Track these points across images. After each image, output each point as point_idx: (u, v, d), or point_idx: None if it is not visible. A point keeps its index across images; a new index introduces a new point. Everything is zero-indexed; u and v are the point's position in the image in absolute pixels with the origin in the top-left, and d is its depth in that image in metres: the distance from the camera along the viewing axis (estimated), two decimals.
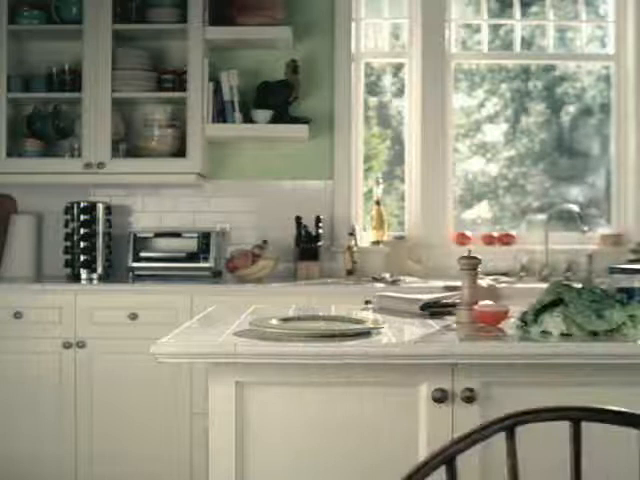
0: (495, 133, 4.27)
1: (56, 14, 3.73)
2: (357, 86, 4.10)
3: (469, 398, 1.74)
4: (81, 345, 3.35)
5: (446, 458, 1.06)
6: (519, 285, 3.61)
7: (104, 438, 3.36)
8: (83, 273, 3.70)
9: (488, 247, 4.01)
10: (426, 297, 2.25)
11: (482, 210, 4.25)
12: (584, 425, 1.10)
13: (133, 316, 3.36)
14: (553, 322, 1.78)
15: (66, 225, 3.74)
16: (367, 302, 2.72)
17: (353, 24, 4.04)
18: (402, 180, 4.16)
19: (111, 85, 3.66)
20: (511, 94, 4.27)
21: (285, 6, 3.82)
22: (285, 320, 1.98)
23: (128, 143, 3.83)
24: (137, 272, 3.72)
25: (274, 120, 3.78)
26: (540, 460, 1.68)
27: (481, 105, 4.28)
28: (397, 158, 4.20)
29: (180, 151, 3.74)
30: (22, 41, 3.87)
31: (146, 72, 3.75)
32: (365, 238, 4.04)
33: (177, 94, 3.75)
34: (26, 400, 3.36)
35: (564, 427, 1.11)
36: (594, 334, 1.75)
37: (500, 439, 1.09)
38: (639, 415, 1.08)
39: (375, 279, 3.66)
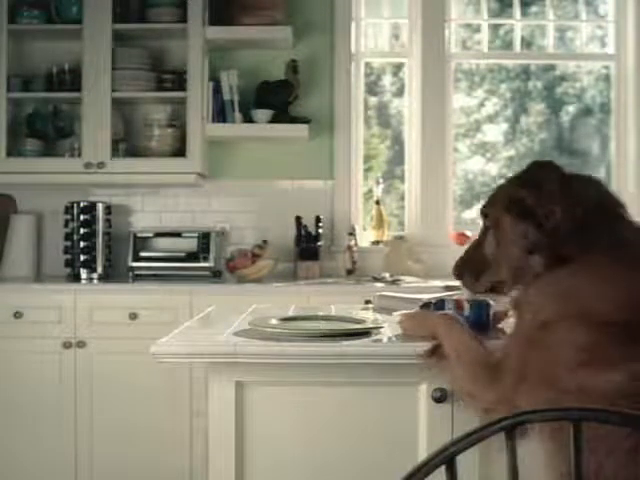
0: (495, 133, 4.27)
1: (56, 14, 3.73)
2: (357, 86, 4.10)
3: None
4: (81, 345, 3.35)
5: (446, 458, 1.06)
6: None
7: (104, 438, 3.36)
8: (83, 273, 3.70)
9: None
10: (426, 297, 2.25)
11: None
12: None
13: (133, 316, 3.37)
14: None
15: (66, 225, 3.74)
16: (367, 302, 2.72)
17: (353, 24, 4.04)
18: (402, 180, 4.16)
19: (111, 85, 3.66)
20: (511, 94, 4.27)
21: (285, 6, 3.82)
22: (285, 320, 1.97)
23: (128, 143, 3.83)
24: (137, 272, 3.72)
25: (274, 120, 3.78)
26: (540, 460, 1.68)
27: (481, 105, 4.28)
28: (397, 158, 4.20)
29: (180, 151, 3.74)
30: (22, 41, 3.87)
31: (146, 72, 3.75)
32: (365, 238, 4.04)
33: (177, 94, 3.75)
34: (26, 400, 3.36)
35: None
36: None
37: (500, 439, 1.09)
38: (639, 415, 1.08)
39: (375, 279, 3.66)
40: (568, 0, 4.20)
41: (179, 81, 3.76)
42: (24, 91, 3.77)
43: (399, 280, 3.60)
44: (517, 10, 4.17)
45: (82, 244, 3.70)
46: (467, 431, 1.08)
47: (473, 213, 4.25)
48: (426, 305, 2.19)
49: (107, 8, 3.64)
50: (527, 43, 4.20)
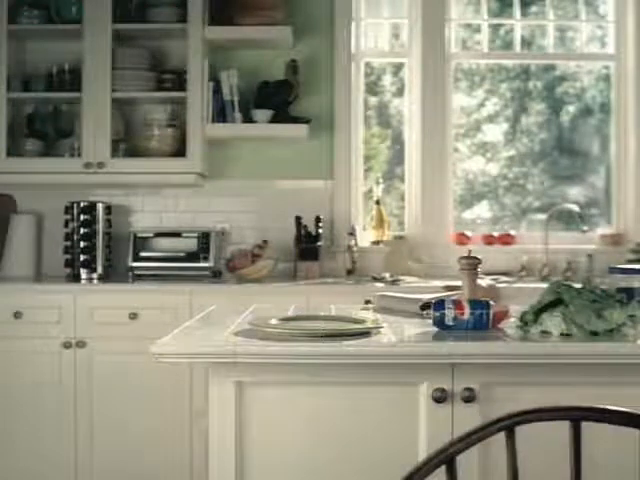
0: (495, 133, 4.27)
1: (56, 14, 3.73)
2: (357, 86, 4.10)
3: (469, 398, 1.74)
4: (81, 345, 3.35)
5: (446, 458, 1.06)
6: (519, 285, 3.61)
7: (104, 438, 3.36)
8: (83, 273, 3.70)
9: (488, 247, 4.01)
10: (426, 297, 2.25)
11: (482, 210, 4.25)
12: (584, 425, 1.10)
13: (133, 316, 3.36)
14: (553, 322, 1.78)
15: (66, 225, 3.74)
16: (367, 302, 2.72)
17: (353, 24, 4.04)
18: (402, 180, 4.16)
19: (111, 85, 3.66)
20: (511, 94, 4.27)
21: (285, 6, 3.82)
22: (285, 320, 1.97)
23: (128, 143, 3.83)
24: (137, 272, 3.72)
25: (274, 120, 3.78)
26: (540, 460, 1.68)
27: (481, 105, 4.28)
28: (397, 158, 4.20)
29: (180, 151, 3.74)
30: (22, 41, 3.87)
31: (146, 72, 3.75)
32: (365, 238, 4.04)
33: (177, 94, 3.75)
34: (26, 400, 3.36)
35: (564, 427, 1.11)
36: (594, 334, 1.75)
37: (500, 439, 1.09)
38: (639, 415, 1.08)
39: (375, 279, 3.66)
40: (568, 0, 4.20)
41: (179, 81, 3.76)
42: (24, 91, 3.77)
43: (399, 280, 3.60)
44: (517, 10, 4.17)
45: (82, 244, 3.70)
46: (467, 431, 1.08)
47: (473, 213, 4.25)
48: (426, 305, 2.19)
49: (107, 8, 3.64)
50: (527, 43, 4.20)
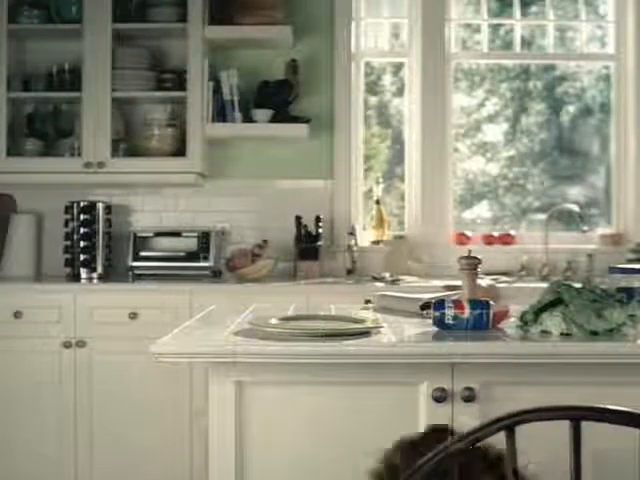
0: (495, 133, 4.27)
1: (56, 14, 3.73)
2: (357, 85, 4.10)
3: (469, 398, 1.74)
4: (81, 345, 3.35)
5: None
6: (519, 285, 3.61)
7: (104, 438, 3.36)
8: (83, 272, 3.70)
9: (488, 247, 4.01)
10: (426, 297, 2.25)
11: (482, 210, 4.25)
12: (584, 424, 1.09)
13: (133, 315, 3.36)
14: (553, 322, 1.78)
15: (66, 224, 3.74)
16: (367, 301, 2.72)
17: (353, 23, 4.04)
18: (402, 180, 4.16)
19: (111, 84, 3.66)
20: (511, 94, 4.27)
21: (285, 6, 3.82)
22: (285, 319, 1.97)
23: (128, 142, 3.83)
24: (137, 271, 3.72)
25: (274, 119, 3.78)
26: (540, 460, 1.68)
27: (481, 105, 4.28)
28: (397, 158, 4.20)
29: (180, 151, 3.74)
30: (22, 41, 3.87)
31: (146, 72, 3.75)
32: (365, 237, 4.04)
33: (177, 94, 3.75)
34: (26, 400, 3.36)
35: (564, 427, 1.11)
36: (594, 334, 1.75)
37: (500, 439, 1.09)
38: (639, 415, 1.08)
39: (375, 278, 3.66)
40: (568, 0, 4.20)
41: (179, 81, 3.76)
42: (24, 91, 3.77)
43: (399, 280, 3.60)
44: (517, 10, 4.17)
45: (82, 244, 3.70)
46: (467, 431, 1.08)
47: (473, 213, 4.25)
48: (426, 305, 2.19)
49: (107, 8, 3.64)
50: (527, 43, 4.20)
